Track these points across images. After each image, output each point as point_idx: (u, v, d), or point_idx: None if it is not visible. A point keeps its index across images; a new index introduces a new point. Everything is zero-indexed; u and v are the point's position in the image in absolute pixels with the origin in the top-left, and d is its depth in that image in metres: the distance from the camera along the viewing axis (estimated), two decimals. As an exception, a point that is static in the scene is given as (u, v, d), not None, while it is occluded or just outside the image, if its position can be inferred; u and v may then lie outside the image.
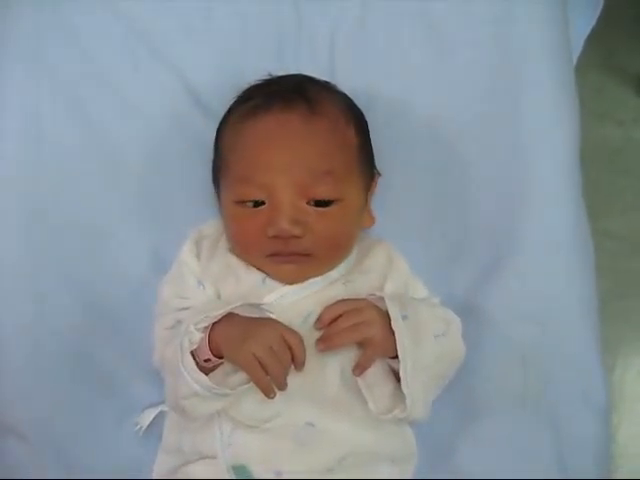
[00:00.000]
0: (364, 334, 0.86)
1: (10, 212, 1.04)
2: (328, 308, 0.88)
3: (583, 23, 1.17)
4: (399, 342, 0.85)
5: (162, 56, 1.08)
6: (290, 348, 0.84)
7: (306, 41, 1.09)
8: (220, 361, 0.86)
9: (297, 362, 0.85)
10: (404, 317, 0.87)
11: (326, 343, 0.86)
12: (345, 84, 1.00)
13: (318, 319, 0.87)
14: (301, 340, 0.85)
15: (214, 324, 0.85)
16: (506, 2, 1.07)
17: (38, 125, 1.05)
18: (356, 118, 0.96)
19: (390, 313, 0.86)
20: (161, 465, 0.97)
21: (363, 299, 0.89)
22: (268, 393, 0.84)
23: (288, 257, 0.89)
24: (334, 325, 0.87)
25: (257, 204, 0.90)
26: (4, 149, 1.05)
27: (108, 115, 1.07)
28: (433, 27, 1.08)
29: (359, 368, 0.87)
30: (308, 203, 0.89)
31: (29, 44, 1.07)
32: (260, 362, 0.82)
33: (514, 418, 1.00)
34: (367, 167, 0.97)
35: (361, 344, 0.88)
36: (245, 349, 0.83)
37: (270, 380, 0.84)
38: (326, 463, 0.87)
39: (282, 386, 0.85)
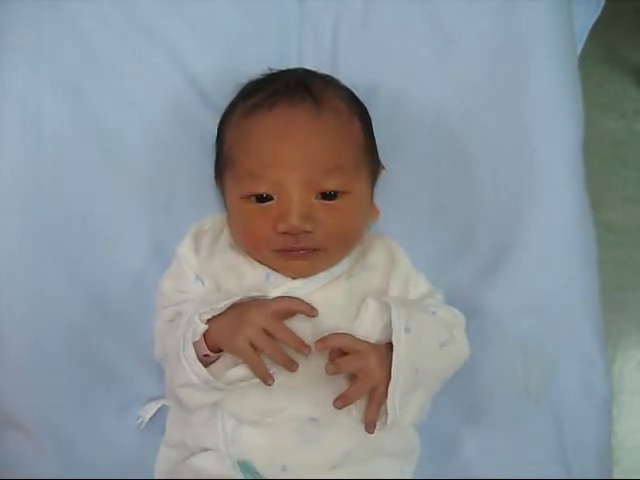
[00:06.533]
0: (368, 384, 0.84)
1: (9, 203, 1.03)
2: (332, 336, 0.85)
3: (586, 17, 1.17)
4: (395, 362, 0.84)
5: (163, 47, 1.07)
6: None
7: (309, 35, 1.08)
8: (219, 355, 0.87)
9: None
10: (407, 329, 0.86)
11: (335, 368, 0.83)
12: (348, 78, 0.99)
13: (320, 340, 0.84)
14: (297, 305, 0.85)
15: (209, 320, 0.85)
16: None
17: (37, 116, 1.04)
18: (360, 112, 0.96)
19: (393, 326, 0.85)
20: (164, 459, 0.97)
21: (363, 341, 0.86)
22: (266, 379, 0.83)
23: (300, 253, 0.89)
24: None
25: (263, 199, 0.89)
26: (3, 141, 1.04)
27: (108, 106, 1.06)
28: (436, 18, 1.07)
29: (342, 400, 0.83)
30: (317, 197, 0.88)
31: (28, 33, 1.06)
32: (256, 346, 0.82)
33: (516, 411, 1.00)
34: (373, 160, 0.96)
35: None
36: (238, 337, 0.83)
37: (266, 368, 0.83)
38: (332, 459, 0.88)
39: (289, 364, 0.83)
